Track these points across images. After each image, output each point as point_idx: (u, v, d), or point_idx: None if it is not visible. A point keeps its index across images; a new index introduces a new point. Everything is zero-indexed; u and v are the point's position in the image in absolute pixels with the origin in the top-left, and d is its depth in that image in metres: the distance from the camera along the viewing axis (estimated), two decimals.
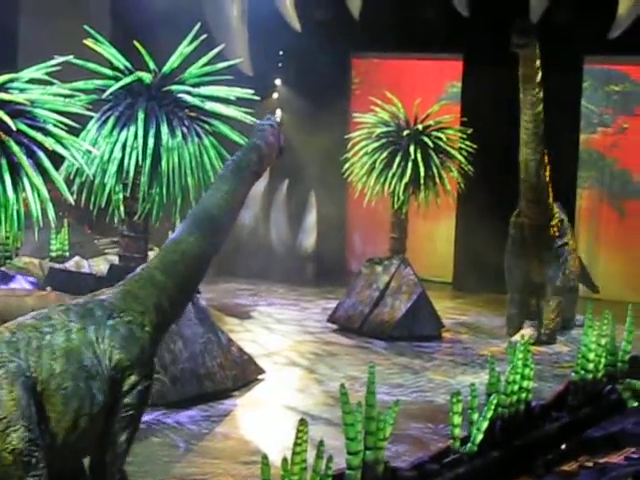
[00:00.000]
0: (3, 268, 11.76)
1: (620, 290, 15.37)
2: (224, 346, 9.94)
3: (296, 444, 5.13)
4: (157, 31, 12.65)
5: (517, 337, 11.65)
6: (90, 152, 9.38)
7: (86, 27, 10.23)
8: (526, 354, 7.29)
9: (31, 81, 8.26)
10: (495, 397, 6.93)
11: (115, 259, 11.51)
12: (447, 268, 17.15)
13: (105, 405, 5.56)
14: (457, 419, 6.51)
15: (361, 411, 5.68)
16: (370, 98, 14.25)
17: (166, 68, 10.29)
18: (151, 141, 9.99)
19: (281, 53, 17.74)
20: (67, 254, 13.57)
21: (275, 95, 17.83)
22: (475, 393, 6.65)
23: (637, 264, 16.08)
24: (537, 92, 11.74)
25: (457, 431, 6.55)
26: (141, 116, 10.00)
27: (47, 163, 7.94)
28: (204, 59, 10.28)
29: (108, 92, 10.08)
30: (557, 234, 12.81)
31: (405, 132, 13.71)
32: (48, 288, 10.35)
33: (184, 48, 10.28)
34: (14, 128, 7.67)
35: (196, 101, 10.21)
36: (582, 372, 8.14)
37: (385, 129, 13.85)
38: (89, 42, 10.13)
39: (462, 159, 13.75)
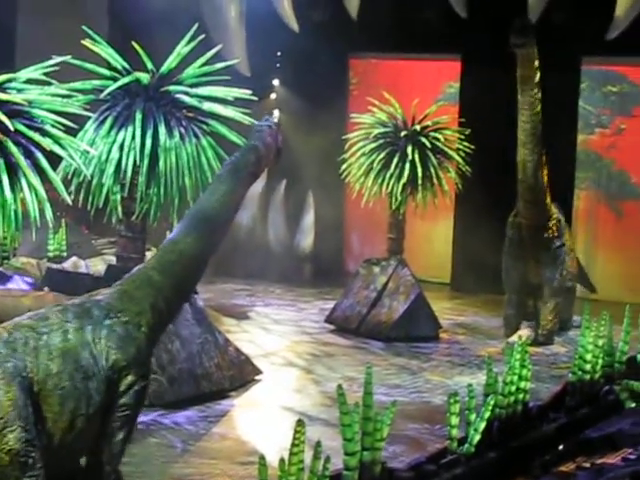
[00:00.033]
0: (0, 268, 11.75)
1: (617, 291, 15.37)
2: (221, 346, 9.93)
3: (293, 445, 5.14)
4: (155, 31, 12.65)
5: (514, 338, 11.65)
6: (88, 152, 9.37)
7: (84, 27, 10.22)
8: (523, 355, 7.30)
9: (29, 81, 8.24)
10: (492, 398, 6.93)
11: (113, 259, 11.51)
12: (445, 269, 17.14)
13: (102, 405, 5.56)
14: (454, 420, 6.52)
15: (358, 412, 5.69)
16: (368, 98, 14.25)
17: (164, 68, 10.29)
18: (149, 141, 9.98)
19: (279, 53, 17.74)
20: (65, 254, 13.55)
21: (273, 95, 17.83)
22: (472, 394, 6.66)
23: (634, 265, 16.08)
24: (535, 93, 11.74)
25: (454, 432, 6.56)
26: (139, 116, 9.99)
27: (45, 163, 7.92)
28: (202, 59, 10.28)
29: (106, 92, 10.07)
30: (555, 235, 12.80)
31: (403, 133, 13.71)
32: (45, 288, 10.35)
33: (182, 48, 10.28)
34: (12, 128, 7.65)
35: (194, 101, 10.20)
36: (579, 373, 8.15)
37: (383, 130, 13.85)
38: (87, 42, 10.12)
39: (460, 160, 13.76)
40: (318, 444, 5.24)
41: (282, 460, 5.11)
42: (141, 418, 8.01)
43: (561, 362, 11.67)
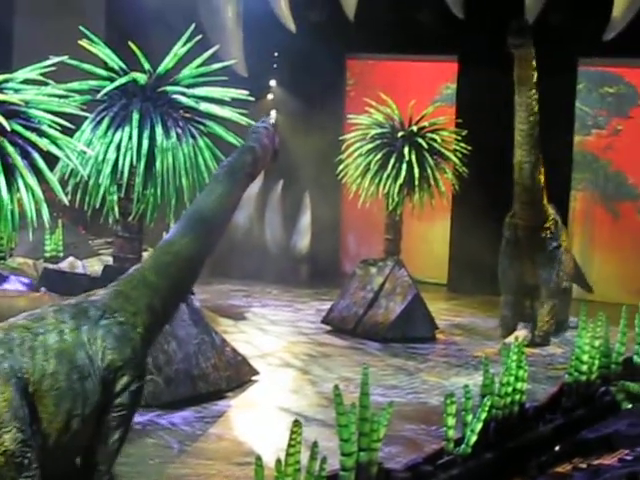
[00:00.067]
0: None
1: (614, 292, 15.37)
2: (218, 347, 9.93)
3: (290, 445, 5.13)
4: (152, 32, 12.66)
5: (511, 339, 11.61)
6: (85, 153, 9.37)
7: (81, 27, 10.21)
8: (520, 356, 7.30)
9: (26, 81, 8.24)
10: (489, 399, 6.93)
11: (109, 260, 11.50)
12: (441, 270, 17.14)
13: (97, 406, 5.56)
14: (451, 421, 6.51)
15: (355, 412, 5.68)
16: (365, 99, 14.24)
17: (161, 69, 10.28)
18: (145, 142, 9.98)
19: (276, 54, 17.72)
20: (61, 255, 13.55)
21: (270, 96, 17.82)
22: (469, 395, 6.65)
23: (631, 266, 16.09)
24: (532, 93, 11.75)
25: (451, 432, 6.55)
26: (136, 117, 9.99)
27: (41, 164, 7.92)
28: (199, 60, 10.27)
29: (103, 93, 10.06)
30: (551, 236, 12.81)
31: (400, 133, 13.70)
32: (42, 289, 10.35)
33: (179, 49, 10.27)
34: (8, 129, 7.65)
35: (191, 102, 10.20)
36: (576, 374, 8.15)
37: (380, 130, 13.84)
38: (84, 42, 10.12)
39: (457, 161, 13.75)
40: (315, 445, 5.23)
41: (278, 461, 5.11)
42: (137, 419, 8.03)
43: (557, 363, 11.68)
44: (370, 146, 13.76)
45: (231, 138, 10.09)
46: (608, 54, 15.41)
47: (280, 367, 11.11)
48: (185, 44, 10.26)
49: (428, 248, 17.33)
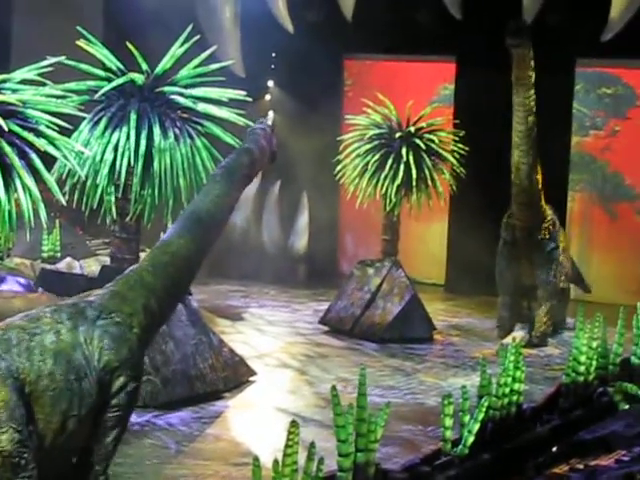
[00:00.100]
0: None
1: (612, 292, 15.38)
2: (215, 347, 9.93)
3: (287, 446, 5.13)
4: (149, 32, 12.64)
5: (508, 339, 11.66)
6: (82, 153, 9.36)
7: (79, 28, 10.21)
8: (517, 357, 7.29)
9: (23, 82, 8.23)
10: (486, 399, 6.92)
11: (107, 260, 11.49)
12: (439, 270, 17.15)
13: (94, 406, 5.56)
14: (448, 421, 6.50)
15: (352, 413, 5.67)
16: (362, 100, 14.24)
17: (158, 69, 10.28)
18: (143, 142, 9.98)
19: (274, 54, 17.74)
20: (59, 255, 13.55)
21: (267, 96, 17.83)
22: (466, 395, 6.65)
23: (628, 266, 16.11)
24: (530, 94, 11.76)
25: (448, 433, 6.55)
26: (133, 117, 9.98)
27: (39, 164, 7.91)
28: (196, 60, 10.27)
29: (100, 93, 10.06)
30: (549, 237, 12.81)
31: (397, 134, 13.70)
32: (40, 289, 10.34)
33: (176, 49, 10.27)
34: (6, 129, 7.65)
35: (188, 102, 10.20)
36: (573, 375, 8.14)
37: (377, 131, 13.84)
38: (81, 43, 10.11)
39: (454, 161, 13.76)
40: (312, 445, 5.22)
41: (276, 461, 5.10)
42: (135, 419, 8.04)
43: (555, 364, 11.68)
44: (368, 147, 13.76)
45: (229, 138, 10.09)
46: (606, 55, 15.43)
47: (277, 368, 11.11)
48: (183, 44, 10.26)
49: (426, 249, 17.34)
